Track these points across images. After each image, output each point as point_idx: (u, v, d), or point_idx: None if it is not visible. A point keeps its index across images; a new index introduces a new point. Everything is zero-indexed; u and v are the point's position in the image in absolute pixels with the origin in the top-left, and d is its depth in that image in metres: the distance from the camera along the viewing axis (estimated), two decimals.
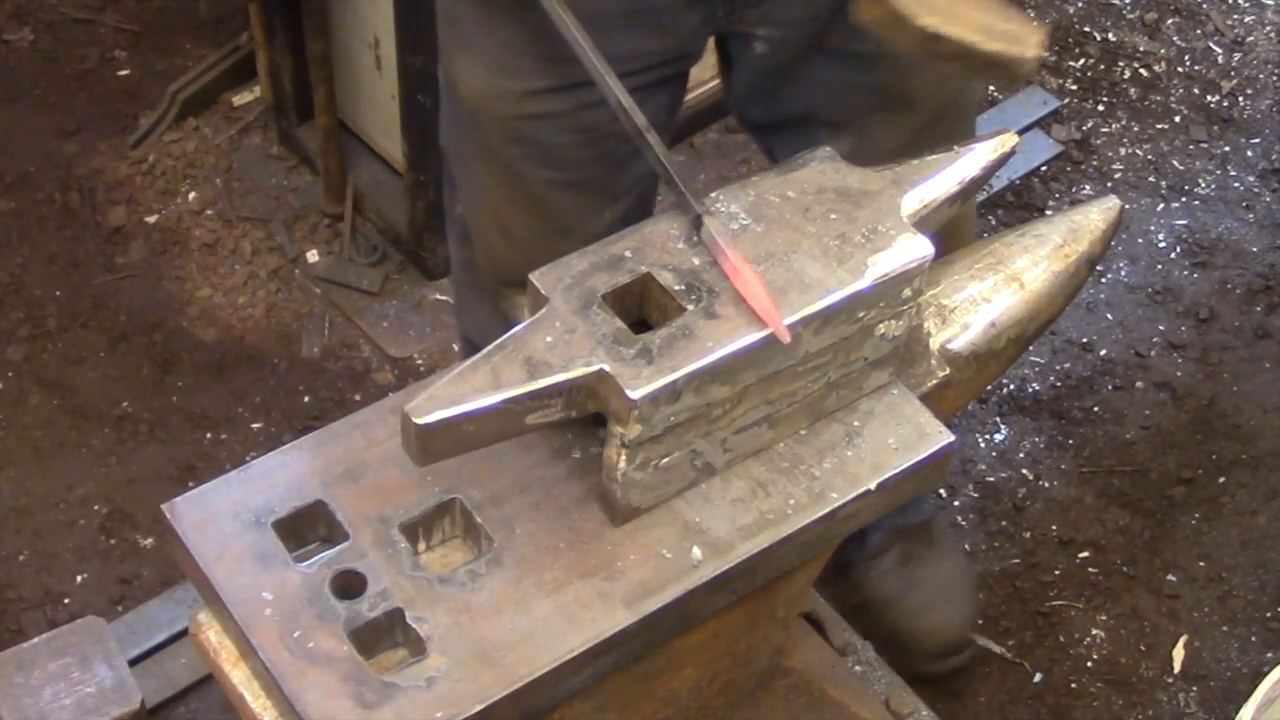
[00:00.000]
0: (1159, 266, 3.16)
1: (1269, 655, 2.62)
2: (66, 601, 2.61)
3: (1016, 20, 1.55)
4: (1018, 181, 3.31)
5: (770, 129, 2.12)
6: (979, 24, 1.55)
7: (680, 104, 2.03)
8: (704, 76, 3.25)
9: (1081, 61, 3.57)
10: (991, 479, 2.82)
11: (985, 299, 1.74)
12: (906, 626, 2.50)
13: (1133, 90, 3.52)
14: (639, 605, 1.46)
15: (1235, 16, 3.63)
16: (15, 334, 2.94)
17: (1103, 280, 3.11)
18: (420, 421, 1.37)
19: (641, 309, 1.51)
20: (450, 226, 2.24)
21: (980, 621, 2.61)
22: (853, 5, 1.58)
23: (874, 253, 1.52)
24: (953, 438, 1.61)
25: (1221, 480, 2.86)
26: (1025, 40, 1.55)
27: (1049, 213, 2.92)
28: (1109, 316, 3.08)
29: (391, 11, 2.72)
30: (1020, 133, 2.48)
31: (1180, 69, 3.57)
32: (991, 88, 3.42)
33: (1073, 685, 2.60)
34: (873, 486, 1.56)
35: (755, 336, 1.46)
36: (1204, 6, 3.70)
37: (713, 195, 1.57)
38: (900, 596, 2.51)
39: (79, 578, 2.64)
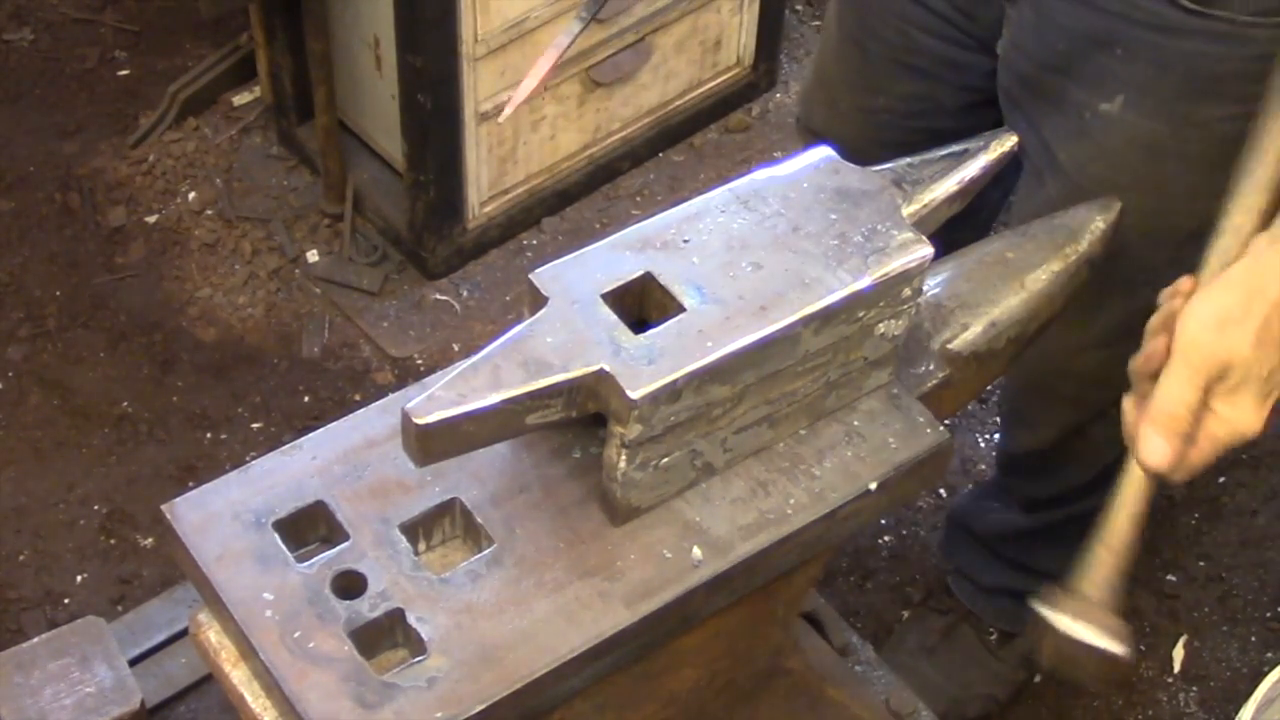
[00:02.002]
0: None
1: (1269, 655, 2.62)
2: (66, 601, 2.61)
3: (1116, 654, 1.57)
4: None
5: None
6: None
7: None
8: (703, 77, 3.25)
9: None
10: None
11: (985, 299, 1.74)
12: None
13: None
14: (639, 605, 1.46)
15: None
16: (15, 334, 2.95)
17: None
18: (420, 421, 1.37)
19: (641, 308, 1.51)
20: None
21: None
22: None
23: (874, 253, 1.52)
24: (951, 437, 1.61)
25: (1221, 480, 2.85)
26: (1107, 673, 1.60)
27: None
28: None
29: (391, 11, 2.72)
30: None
31: None
32: None
33: (1073, 685, 2.60)
34: (873, 486, 1.56)
35: (755, 335, 1.46)
36: None
37: (713, 193, 1.57)
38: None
39: (79, 578, 2.64)
